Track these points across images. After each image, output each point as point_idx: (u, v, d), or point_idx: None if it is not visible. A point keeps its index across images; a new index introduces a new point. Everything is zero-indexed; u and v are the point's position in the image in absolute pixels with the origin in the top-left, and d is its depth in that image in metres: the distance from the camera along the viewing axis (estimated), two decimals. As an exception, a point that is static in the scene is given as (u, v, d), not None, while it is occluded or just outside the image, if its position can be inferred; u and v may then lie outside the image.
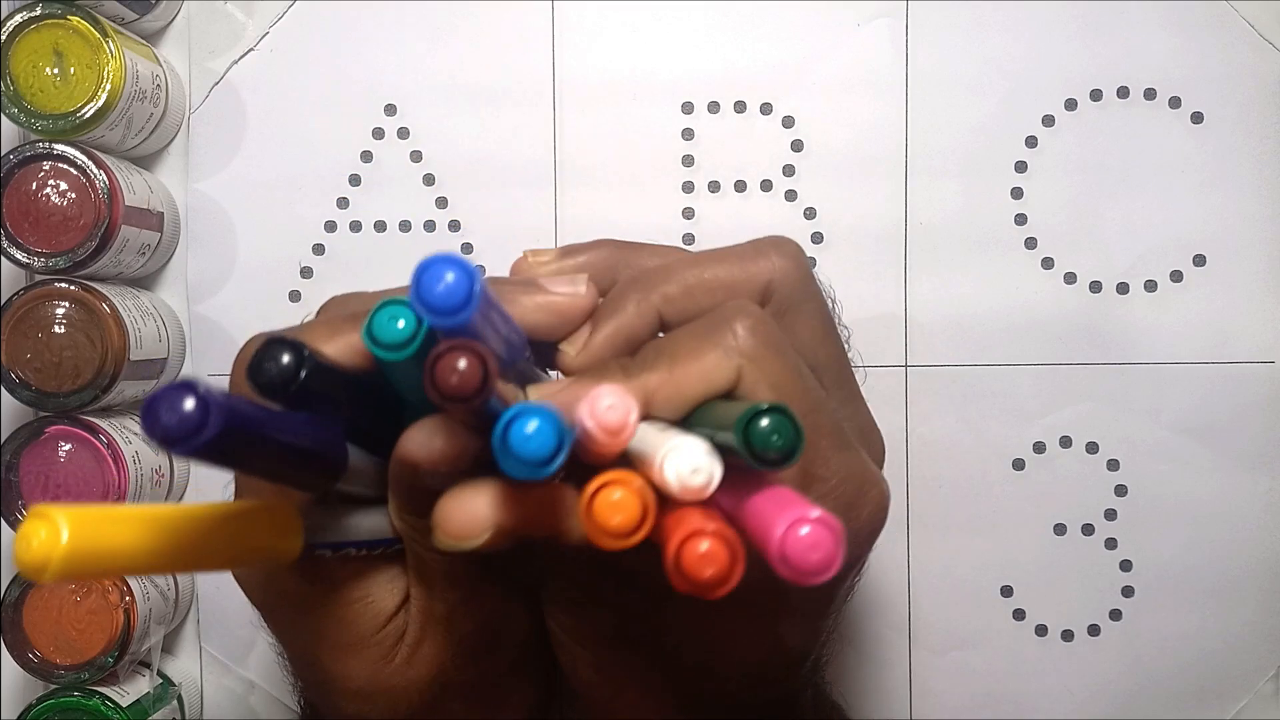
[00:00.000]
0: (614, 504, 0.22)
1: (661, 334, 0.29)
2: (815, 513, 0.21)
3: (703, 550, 0.21)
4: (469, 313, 0.21)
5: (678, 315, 0.29)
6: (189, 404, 0.20)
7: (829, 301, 0.31)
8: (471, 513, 0.24)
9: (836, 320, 0.31)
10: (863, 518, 0.28)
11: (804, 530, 0.21)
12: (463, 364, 0.21)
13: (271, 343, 0.23)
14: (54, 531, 0.20)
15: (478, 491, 0.25)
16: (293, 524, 0.26)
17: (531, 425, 0.21)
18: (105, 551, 0.21)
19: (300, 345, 0.23)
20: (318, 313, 0.31)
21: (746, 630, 0.29)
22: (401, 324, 0.24)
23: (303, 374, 0.23)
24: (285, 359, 0.23)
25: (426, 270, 0.21)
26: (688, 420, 0.27)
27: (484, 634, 0.30)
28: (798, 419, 0.22)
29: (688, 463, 0.22)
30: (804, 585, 0.21)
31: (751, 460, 0.22)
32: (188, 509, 0.24)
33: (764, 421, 0.22)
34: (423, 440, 0.25)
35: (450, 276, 0.21)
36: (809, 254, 0.43)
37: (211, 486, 0.44)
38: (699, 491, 0.22)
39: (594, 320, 0.29)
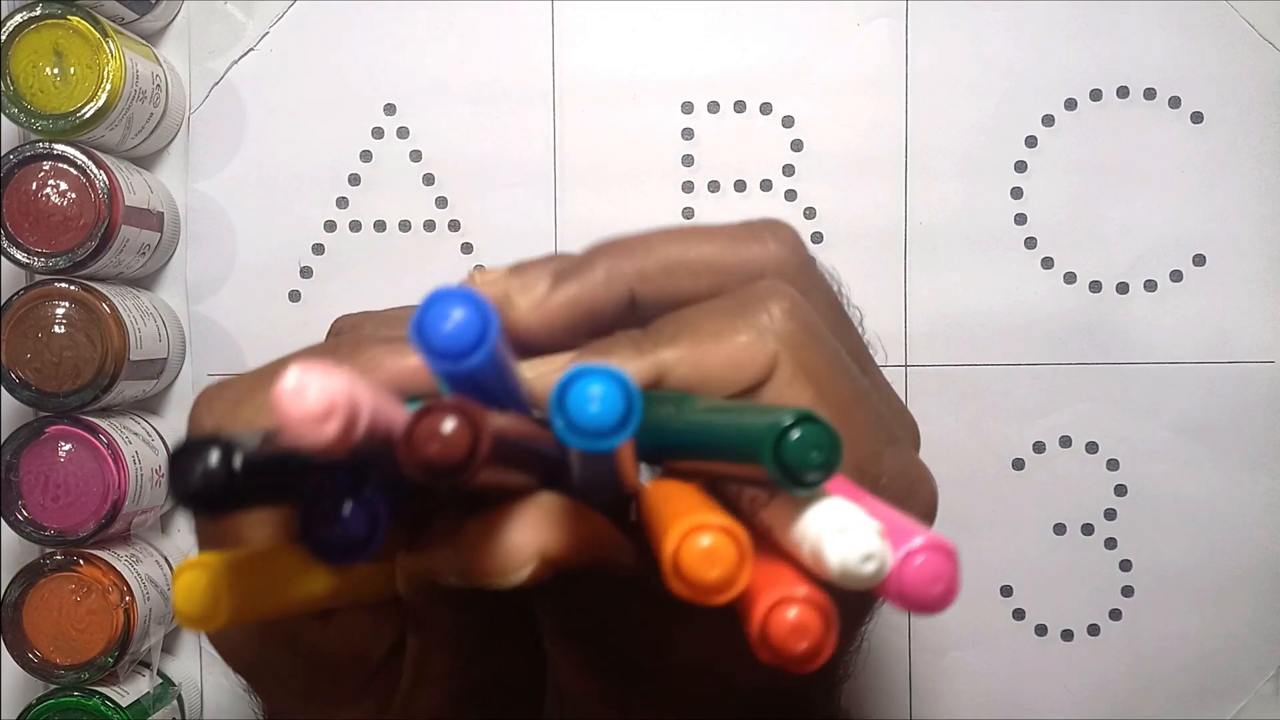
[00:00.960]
0: (706, 553, 0.18)
1: (639, 318, 0.26)
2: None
3: (792, 618, 0.18)
4: (481, 355, 0.18)
5: (654, 295, 0.25)
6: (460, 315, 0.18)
7: (834, 285, 0.28)
8: (513, 543, 0.21)
9: (846, 304, 0.28)
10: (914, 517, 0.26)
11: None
12: (449, 426, 0.17)
13: (193, 445, 0.17)
14: (214, 579, 0.19)
15: (519, 517, 0.21)
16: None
17: (595, 389, 0.18)
18: (260, 593, 0.21)
19: (229, 443, 0.17)
20: (330, 335, 0.30)
21: (746, 662, 0.27)
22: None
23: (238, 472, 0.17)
24: (213, 460, 0.17)
25: (431, 306, 0.18)
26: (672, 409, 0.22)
27: (482, 686, 0.28)
28: (834, 428, 0.18)
29: (859, 549, 0.18)
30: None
31: (786, 482, 0.18)
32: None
33: (796, 434, 0.18)
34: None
35: (459, 314, 0.18)
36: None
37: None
38: (867, 582, 0.18)
39: (554, 279, 0.25)
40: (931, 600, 0.18)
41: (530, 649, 0.29)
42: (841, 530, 0.18)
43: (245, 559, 0.21)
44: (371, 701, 0.27)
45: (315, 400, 0.15)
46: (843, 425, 0.19)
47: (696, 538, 0.18)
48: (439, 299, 0.18)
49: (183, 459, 0.17)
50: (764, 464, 0.18)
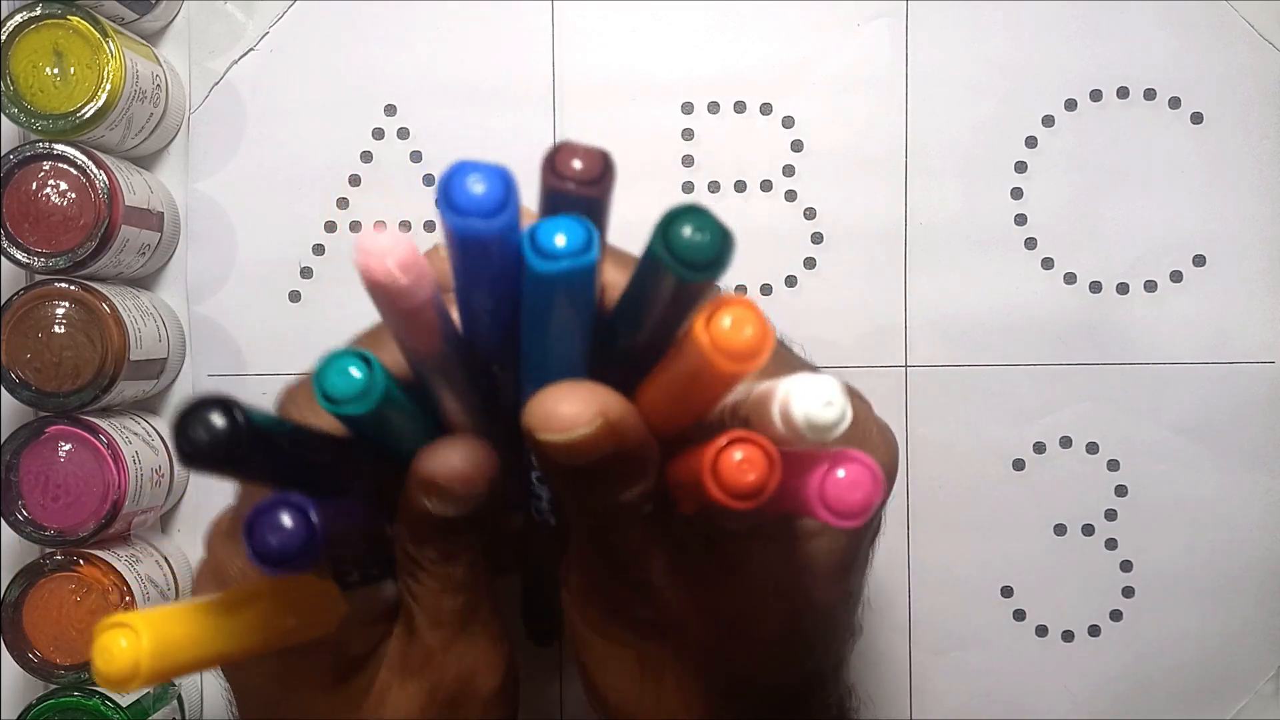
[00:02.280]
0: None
1: None
2: (853, 453, 0.21)
3: (738, 458, 0.21)
4: (510, 212, 0.20)
5: None
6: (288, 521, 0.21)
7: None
8: (577, 402, 0.23)
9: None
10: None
11: (842, 471, 0.21)
12: (579, 160, 0.22)
13: (200, 404, 0.20)
14: (135, 639, 0.20)
15: (582, 384, 0.23)
16: (332, 591, 0.26)
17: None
18: (179, 650, 0.21)
19: (230, 403, 0.21)
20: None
21: (766, 607, 0.29)
22: (355, 372, 0.23)
23: (238, 436, 0.20)
24: (218, 422, 0.20)
25: (454, 177, 0.20)
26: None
27: (457, 684, 0.29)
28: (717, 218, 0.21)
29: (818, 396, 0.20)
30: (843, 527, 0.21)
31: (677, 267, 0.20)
32: (239, 589, 0.23)
33: (686, 229, 0.21)
34: (443, 458, 0.24)
35: (479, 184, 0.20)
36: (809, 254, 0.44)
37: (212, 488, 0.44)
38: (830, 429, 0.20)
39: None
40: (852, 506, 0.20)
41: (507, 659, 0.30)
42: (805, 383, 0.20)
43: (167, 616, 0.22)
44: (343, 698, 0.29)
45: (387, 243, 0.20)
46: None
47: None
48: (459, 169, 0.20)
49: (189, 416, 0.19)
50: (656, 252, 0.20)
